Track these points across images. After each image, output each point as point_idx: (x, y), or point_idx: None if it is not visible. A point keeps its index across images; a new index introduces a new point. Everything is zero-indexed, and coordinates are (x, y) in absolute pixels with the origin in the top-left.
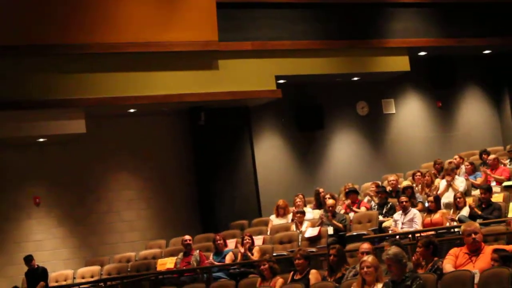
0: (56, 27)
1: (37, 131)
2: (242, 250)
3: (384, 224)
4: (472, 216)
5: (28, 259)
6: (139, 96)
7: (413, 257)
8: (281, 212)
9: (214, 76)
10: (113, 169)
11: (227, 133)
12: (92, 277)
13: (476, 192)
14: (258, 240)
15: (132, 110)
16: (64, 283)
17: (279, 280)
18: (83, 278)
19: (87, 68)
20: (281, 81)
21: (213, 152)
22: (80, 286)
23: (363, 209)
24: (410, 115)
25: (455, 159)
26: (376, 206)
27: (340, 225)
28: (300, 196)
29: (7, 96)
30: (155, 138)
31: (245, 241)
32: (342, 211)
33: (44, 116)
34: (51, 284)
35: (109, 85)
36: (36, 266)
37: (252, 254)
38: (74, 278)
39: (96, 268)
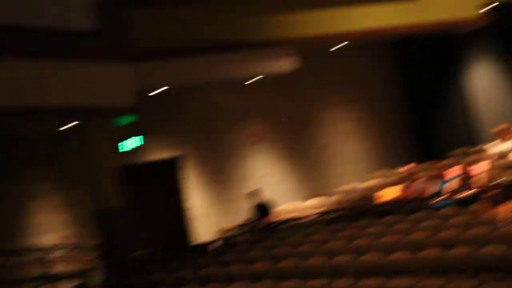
0: None
1: (251, 70)
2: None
3: None
4: None
5: (254, 194)
6: (348, 30)
7: None
8: (503, 136)
9: (421, 6)
10: (328, 103)
11: (437, 63)
12: (317, 208)
13: None
14: (482, 166)
15: (342, 45)
16: (290, 215)
17: (510, 205)
18: (308, 209)
19: (298, 6)
20: (490, 6)
21: (425, 82)
22: (307, 218)
23: None
24: None
25: None
26: None
27: None
28: None
29: (226, 38)
30: (365, 71)
31: (465, 170)
32: None
33: (258, 56)
34: (278, 216)
35: (318, 22)
36: (262, 199)
37: (474, 182)
38: (299, 210)
39: (321, 200)
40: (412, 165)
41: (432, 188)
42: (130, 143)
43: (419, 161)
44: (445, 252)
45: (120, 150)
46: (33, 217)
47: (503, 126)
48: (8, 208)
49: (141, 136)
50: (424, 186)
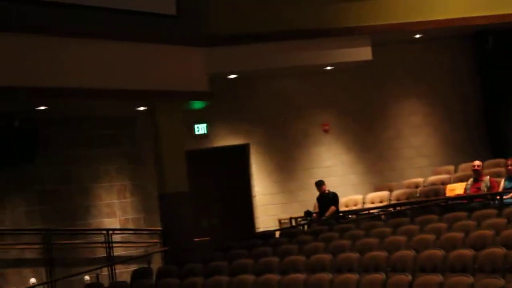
0: None
1: (324, 59)
2: None
3: None
4: None
5: (319, 184)
6: (424, 21)
7: None
8: None
9: None
10: (399, 95)
11: None
12: (381, 202)
13: None
14: None
15: (417, 36)
16: (354, 207)
17: None
18: (372, 203)
19: None
20: None
21: (502, 75)
22: (370, 211)
23: None
24: None
25: None
26: None
27: None
28: None
29: (295, 25)
30: (440, 63)
31: None
32: None
33: (331, 44)
34: (342, 208)
35: (394, 11)
36: (327, 191)
37: None
38: (363, 203)
39: (385, 193)
40: (478, 162)
41: (498, 185)
42: (200, 128)
43: (488, 157)
44: (508, 251)
45: (189, 135)
46: (98, 199)
47: None
48: (73, 189)
49: (206, 124)
50: (490, 183)
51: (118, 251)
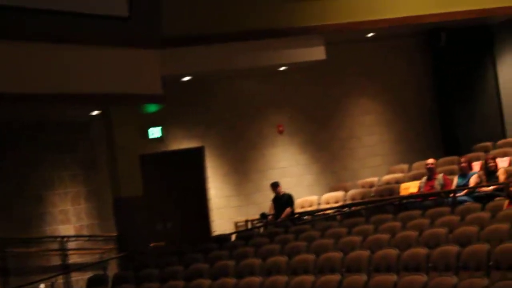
0: None
1: (278, 59)
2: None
3: None
4: None
5: (275, 186)
6: (376, 19)
7: None
8: None
9: None
10: (353, 94)
11: (468, 53)
12: (336, 202)
13: None
14: (504, 162)
15: (370, 34)
16: (309, 208)
17: None
18: (327, 203)
19: None
20: None
21: (454, 73)
22: (325, 212)
23: None
24: None
25: None
26: None
27: None
28: None
29: (248, 26)
30: (393, 61)
31: (489, 165)
32: None
33: (284, 44)
34: (297, 209)
35: (347, 10)
36: (282, 192)
37: (497, 177)
38: (318, 203)
39: (340, 193)
40: (431, 160)
41: (452, 183)
42: (154, 132)
43: (442, 155)
44: (461, 249)
45: (144, 139)
46: (52, 206)
47: None
48: (28, 196)
49: (161, 128)
50: (443, 181)
51: (73, 258)
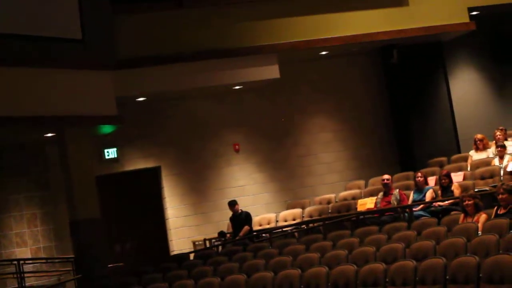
0: None
1: (232, 79)
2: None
3: None
4: None
5: (232, 204)
6: (330, 37)
7: None
8: (480, 146)
9: (404, 12)
10: (309, 112)
11: (421, 70)
12: (294, 219)
13: None
14: (459, 176)
15: (324, 53)
16: (267, 226)
17: (483, 216)
18: (285, 221)
19: (279, 13)
20: (474, 13)
21: (408, 89)
22: (283, 229)
23: None
24: None
25: None
26: None
27: None
28: (502, 129)
29: (201, 46)
30: (348, 79)
31: (442, 181)
32: None
33: (238, 63)
34: (255, 227)
35: (300, 28)
36: (239, 211)
37: (452, 192)
38: (276, 221)
39: (297, 210)
40: (387, 176)
41: (408, 198)
42: (110, 153)
43: (397, 171)
44: (418, 263)
45: (99, 160)
46: (8, 229)
47: (477, 135)
48: None
49: (116, 149)
50: (399, 196)
51: (30, 281)
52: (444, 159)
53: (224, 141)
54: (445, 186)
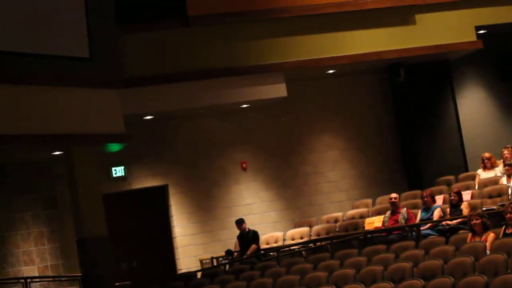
0: None
1: (240, 97)
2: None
3: None
4: None
5: (240, 223)
6: (337, 56)
7: None
8: (487, 165)
9: (411, 31)
10: (316, 130)
11: (428, 88)
12: (301, 238)
13: None
14: (466, 195)
15: (331, 71)
16: (274, 245)
17: (491, 235)
18: (293, 239)
19: (286, 32)
20: (481, 31)
21: (415, 108)
22: (291, 248)
23: None
24: None
25: None
26: None
27: None
28: (509, 148)
29: (208, 64)
30: (355, 97)
31: (451, 197)
32: None
33: (246, 82)
34: (262, 246)
35: (307, 47)
36: (247, 229)
37: (461, 210)
38: (284, 239)
39: (305, 229)
40: (395, 194)
41: (416, 217)
42: (117, 171)
43: (405, 189)
44: (426, 282)
45: (107, 178)
46: (15, 247)
47: (485, 154)
48: None
49: (124, 167)
50: (407, 215)
51: None
52: (451, 177)
53: (231, 160)
54: (454, 203)
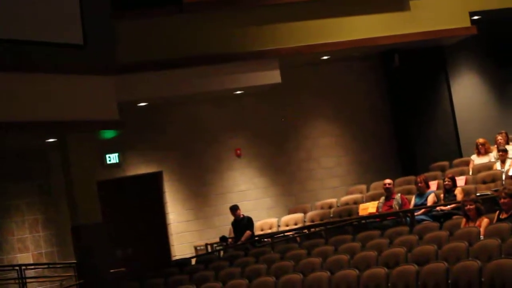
0: None
1: (233, 83)
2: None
3: None
4: None
5: (234, 209)
6: (332, 42)
7: None
8: (481, 150)
9: (406, 17)
10: (310, 116)
11: (422, 74)
12: (295, 224)
13: None
14: (460, 180)
15: (325, 57)
16: (269, 231)
17: (485, 220)
18: (287, 225)
19: (280, 18)
20: (476, 17)
21: (409, 94)
22: (285, 234)
23: None
24: None
25: None
26: None
27: None
28: (503, 133)
29: (202, 51)
30: (349, 83)
31: (445, 183)
32: None
33: (239, 68)
34: (257, 232)
35: (301, 33)
36: (241, 215)
37: (455, 196)
38: (278, 226)
39: (299, 215)
40: (389, 180)
41: (409, 203)
42: (112, 158)
43: (399, 175)
44: (420, 267)
45: (101, 165)
46: (9, 235)
47: (479, 140)
48: None
49: (118, 154)
50: (401, 201)
51: (32, 287)
52: (446, 163)
53: (225, 146)
54: (448, 188)
